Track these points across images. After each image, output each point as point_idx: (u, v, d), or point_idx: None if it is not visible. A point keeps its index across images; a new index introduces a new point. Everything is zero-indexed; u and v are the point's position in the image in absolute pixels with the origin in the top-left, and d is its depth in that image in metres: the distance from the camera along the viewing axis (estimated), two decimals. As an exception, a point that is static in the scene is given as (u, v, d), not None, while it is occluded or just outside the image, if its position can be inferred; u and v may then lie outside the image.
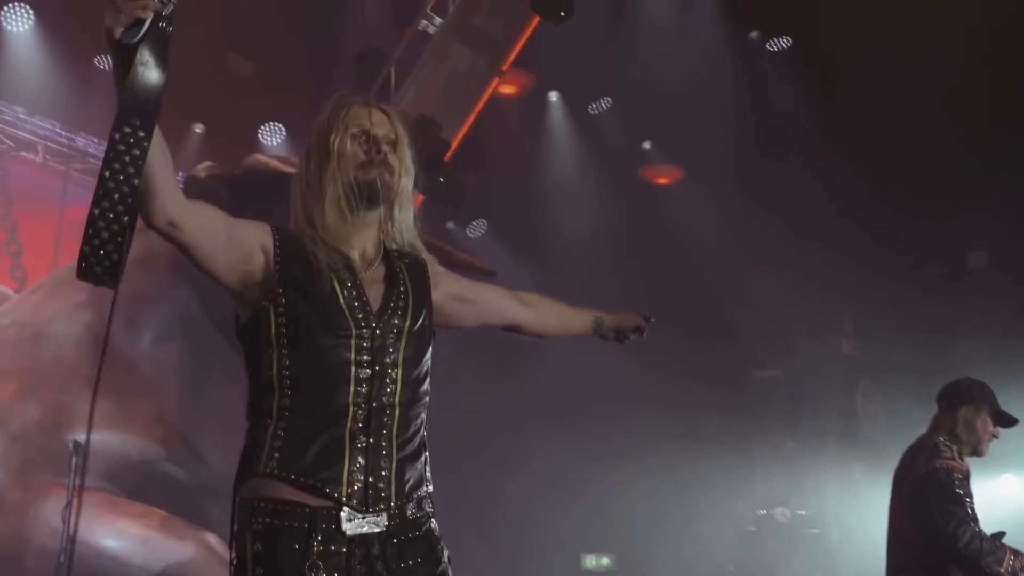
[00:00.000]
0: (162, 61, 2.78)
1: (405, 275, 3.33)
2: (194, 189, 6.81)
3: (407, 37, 11.52)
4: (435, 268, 3.49)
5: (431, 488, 3.26)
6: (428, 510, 3.23)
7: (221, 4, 11.62)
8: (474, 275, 9.46)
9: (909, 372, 12.76)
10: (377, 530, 3.06)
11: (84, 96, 12.54)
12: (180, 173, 13.37)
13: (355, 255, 3.27)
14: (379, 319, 3.18)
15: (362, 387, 3.09)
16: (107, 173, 2.66)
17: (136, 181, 2.69)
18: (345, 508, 3.02)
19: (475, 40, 11.49)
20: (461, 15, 11.33)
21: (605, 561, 13.49)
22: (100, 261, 2.71)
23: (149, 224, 2.92)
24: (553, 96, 14.44)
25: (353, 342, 3.11)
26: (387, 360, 3.15)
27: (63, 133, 13.28)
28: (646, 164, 14.98)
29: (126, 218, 2.68)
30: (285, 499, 3.02)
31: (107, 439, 6.55)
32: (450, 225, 14.51)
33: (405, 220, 3.41)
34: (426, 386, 3.26)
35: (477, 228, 14.91)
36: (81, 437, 6.05)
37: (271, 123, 13.55)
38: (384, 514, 3.07)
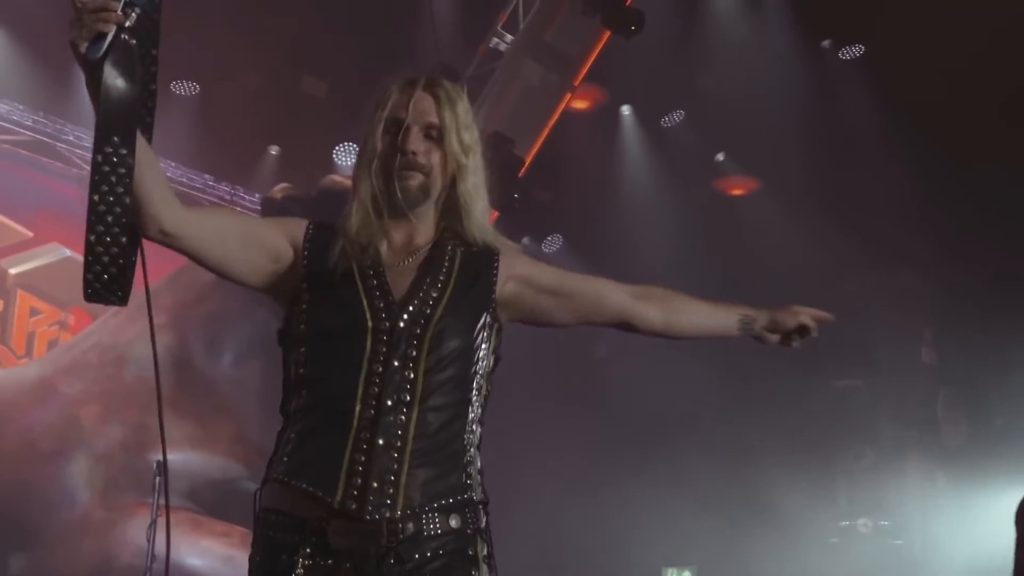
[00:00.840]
0: (130, 75, 2.67)
1: (455, 263, 3.05)
2: (271, 210, 6.88)
3: (479, 54, 11.59)
4: (515, 258, 3.21)
5: (478, 498, 2.93)
6: (466, 526, 2.87)
7: (295, 26, 11.75)
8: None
9: (991, 380, 12.62)
10: (373, 544, 2.75)
11: (160, 123, 12.63)
12: (256, 195, 13.58)
13: (383, 245, 3.00)
14: (403, 309, 2.90)
15: (374, 384, 2.82)
16: (96, 197, 2.60)
17: (127, 200, 2.61)
18: (336, 518, 2.75)
19: (547, 56, 11.54)
20: (532, 31, 11.38)
21: (687, 575, 13.44)
22: (106, 286, 2.67)
23: (144, 236, 2.82)
24: (625, 110, 14.43)
25: (369, 336, 2.86)
26: (410, 353, 2.86)
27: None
28: (720, 176, 14.92)
29: (124, 239, 2.62)
30: (282, 509, 2.83)
31: (189, 459, 6.64)
32: (525, 241, 14.50)
33: (471, 215, 3.15)
34: (471, 384, 2.96)
35: (552, 243, 14.91)
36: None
37: (345, 143, 13.65)
38: (384, 525, 2.75)
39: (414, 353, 2.86)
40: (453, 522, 2.84)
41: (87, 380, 7.04)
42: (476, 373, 2.97)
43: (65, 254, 12.85)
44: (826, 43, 13.57)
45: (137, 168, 2.63)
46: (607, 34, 11.45)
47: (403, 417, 2.81)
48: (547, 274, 3.24)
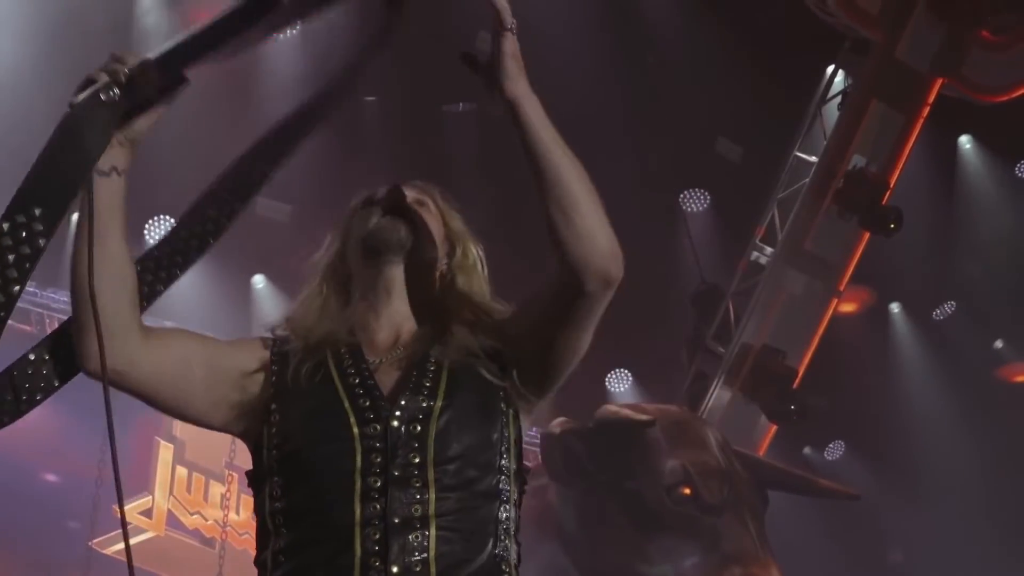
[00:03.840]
0: (94, 136, 2.16)
1: (439, 346, 2.43)
2: (551, 446, 6.97)
3: (740, 270, 11.62)
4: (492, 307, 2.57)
5: None
6: None
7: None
8: (840, 501, 9.26)
9: None
10: None
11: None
12: (534, 429, 13.74)
13: (361, 337, 2.46)
14: (393, 404, 2.32)
15: (373, 501, 2.25)
16: None
17: (16, 289, 2.12)
18: None
19: (808, 264, 11.49)
20: (791, 241, 11.37)
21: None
22: None
23: (80, 366, 2.35)
24: (895, 307, 14.21)
25: (358, 445, 2.28)
26: (412, 459, 2.27)
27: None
28: (1001, 364, 14.46)
29: None
30: None
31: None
32: (807, 451, 14.28)
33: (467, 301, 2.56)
34: (499, 475, 2.34)
35: (834, 450, 14.62)
36: None
37: (618, 370, 13.78)
38: None
39: (422, 457, 2.28)
40: None
41: None
42: (505, 457, 2.37)
43: None
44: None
45: (97, 273, 2.22)
46: (867, 235, 11.35)
47: (416, 537, 2.23)
48: (522, 304, 2.57)
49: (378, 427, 2.29)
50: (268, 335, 2.52)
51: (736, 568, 6.82)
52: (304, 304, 2.55)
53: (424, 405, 2.32)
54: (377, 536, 2.22)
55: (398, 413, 2.30)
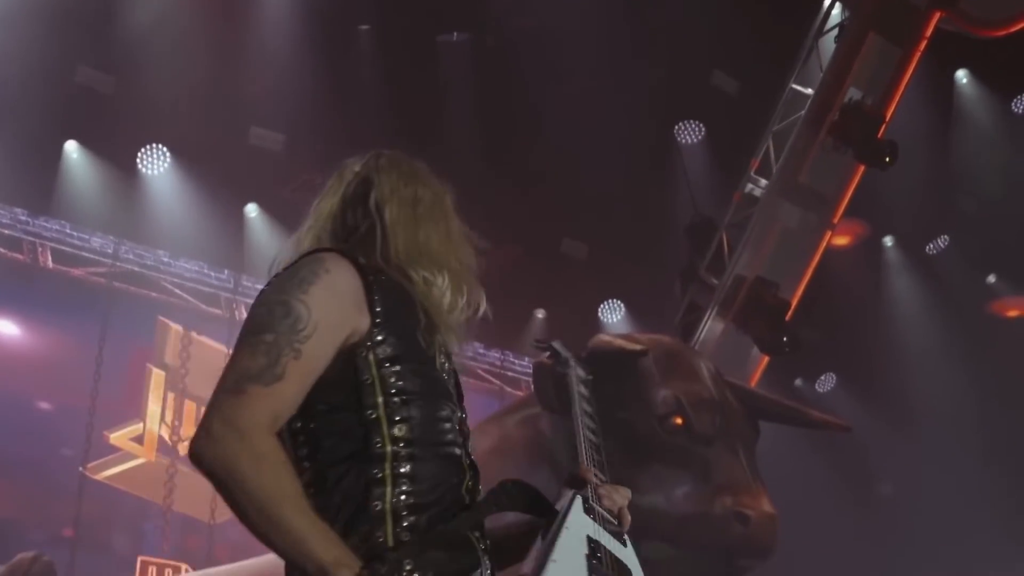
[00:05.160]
0: None
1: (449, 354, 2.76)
2: (543, 376, 6.97)
3: (734, 202, 11.60)
4: None
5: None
6: None
7: (552, 193, 12.02)
8: (831, 432, 9.29)
9: None
10: None
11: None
12: (526, 359, 13.77)
13: None
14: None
15: (457, 423, 2.64)
16: None
17: None
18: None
19: (803, 197, 11.47)
20: (786, 174, 11.35)
21: None
22: None
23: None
24: (888, 241, 14.22)
25: (447, 373, 2.69)
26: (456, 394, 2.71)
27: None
28: (994, 298, 14.48)
29: None
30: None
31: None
32: (798, 382, 14.35)
33: None
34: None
35: (826, 382, 14.68)
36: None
37: (610, 300, 13.81)
38: None
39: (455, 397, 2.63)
40: None
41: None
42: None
43: None
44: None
45: None
46: (862, 168, 11.33)
47: (470, 462, 2.58)
48: None
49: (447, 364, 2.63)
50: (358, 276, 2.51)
51: (727, 498, 6.84)
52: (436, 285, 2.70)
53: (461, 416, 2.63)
54: (467, 456, 2.55)
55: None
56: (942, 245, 14.19)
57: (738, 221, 11.54)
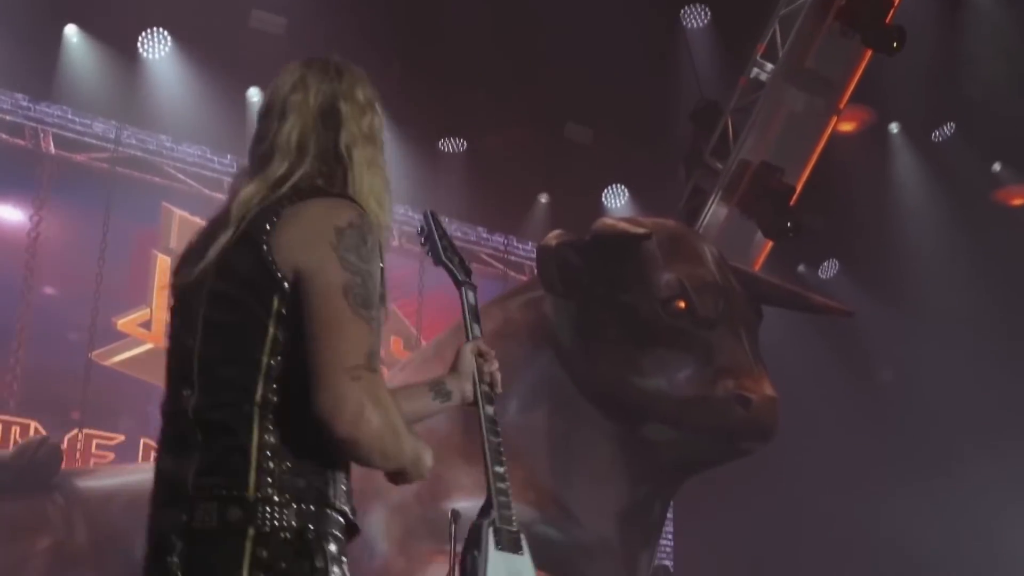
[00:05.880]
0: None
1: None
2: (547, 258, 6.97)
3: (740, 86, 11.52)
4: None
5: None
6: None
7: (556, 76, 11.93)
8: (834, 318, 9.32)
9: None
10: None
11: (431, 180, 13.02)
12: (530, 243, 13.80)
13: None
14: None
15: None
16: None
17: None
18: None
19: (809, 82, 11.37)
20: (792, 58, 11.24)
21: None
22: None
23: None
24: (894, 128, 14.14)
25: None
26: None
27: (415, 216, 13.75)
28: (999, 186, 14.43)
29: None
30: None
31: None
32: (801, 268, 14.36)
33: None
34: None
35: (829, 269, 14.69)
36: (459, 505, 6.26)
37: (614, 185, 13.77)
38: None
39: None
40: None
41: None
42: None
43: None
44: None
45: None
46: (869, 53, 11.22)
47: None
48: None
49: None
50: None
51: (729, 380, 6.87)
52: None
53: None
54: None
55: None
56: (948, 132, 14.09)
57: (743, 106, 11.45)
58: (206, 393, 2.53)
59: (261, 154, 2.73)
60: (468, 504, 6.55)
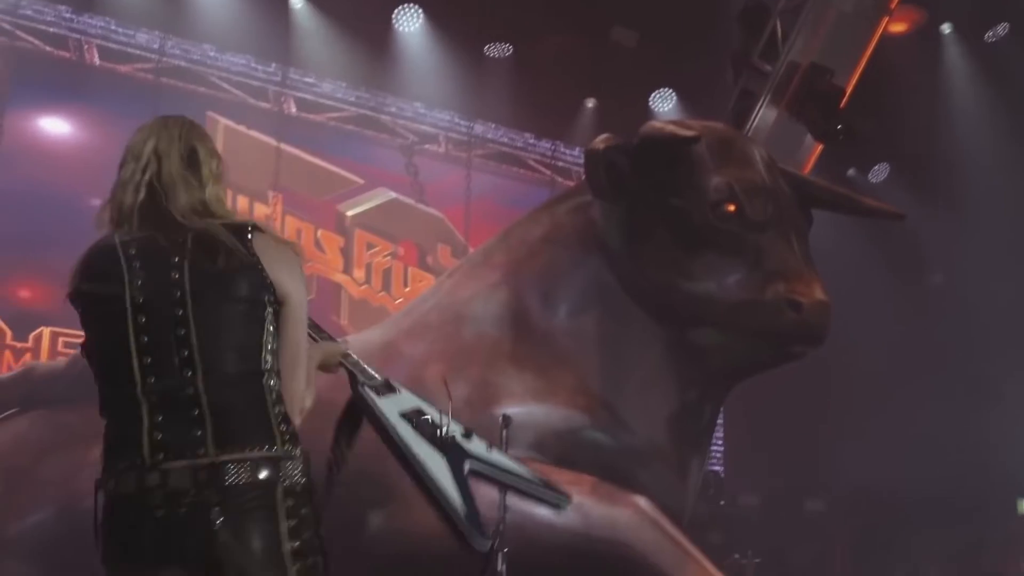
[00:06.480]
0: None
1: None
2: (595, 162, 6.90)
3: (789, -13, 11.33)
4: None
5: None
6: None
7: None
8: (884, 221, 9.23)
9: None
10: None
11: (477, 86, 13.00)
12: (577, 149, 13.72)
13: None
14: None
15: None
16: None
17: None
18: None
19: (859, -20, 11.19)
20: (841, -43, 11.05)
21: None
22: None
23: None
24: (946, 28, 13.92)
25: None
26: None
27: (462, 122, 13.83)
28: (1054, 89, 14.20)
29: None
30: None
31: (532, 411, 6.73)
32: (851, 172, 14.25)
33: None
34: None
35: (879, 173, 14.55)
36: (509, 411, 6.26)
37: (661, 89, 13.65)
38: None
39: None
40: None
41: (428, 340, 7.23)
42: None
43: (391, 196, 13.67)
44: None
45: None
46: (921, -50, 11.02)
47: None
48: None
49: None
50: None
51: (780, 284, 6.79)
52: None
53: None
54: None
55: None
56: (1001, 33, 13.85)
57: (792, 7, 11.27)
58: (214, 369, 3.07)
59: None
60: (518, 409, 6.59)
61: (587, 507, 6.23)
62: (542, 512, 6.04)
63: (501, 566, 5.70)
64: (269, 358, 3.10)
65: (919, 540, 13.00)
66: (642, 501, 6.33)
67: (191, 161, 3.26)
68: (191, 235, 3.13)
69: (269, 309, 3.13)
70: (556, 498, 3.97)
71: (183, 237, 3.13)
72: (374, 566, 6.41)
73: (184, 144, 3.28)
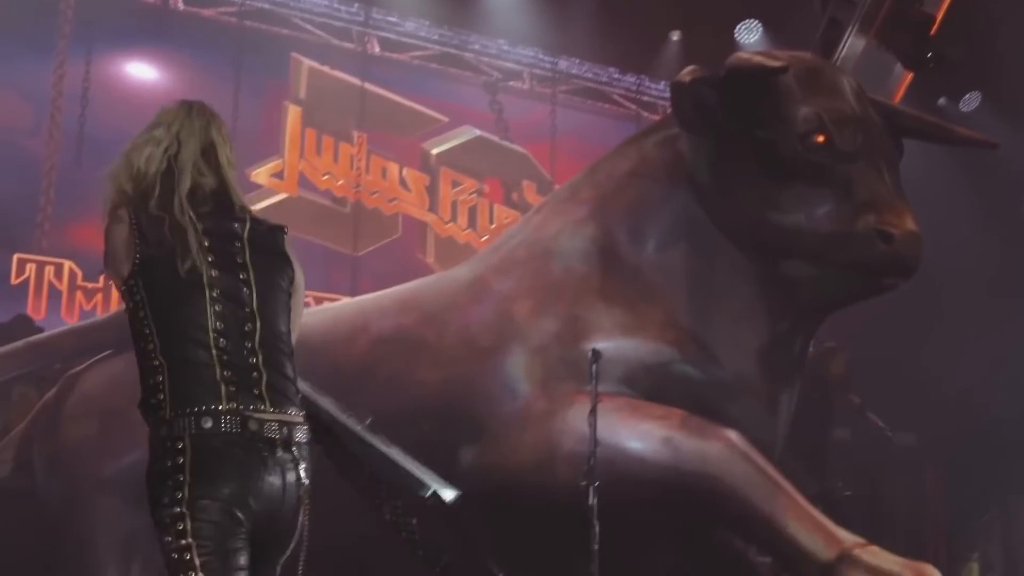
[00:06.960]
0: None
1: None
2: (681, 95, 6.84)
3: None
4: None
5: None
6: None
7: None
8: (977, 150, 9.10)
9: None
10: None
11: (561, 21, 12.94)
12: (663, 83, 13.63)
13: None
14: None
15: None
16: None
17: None
18: None
19: (949, -96, 10.95)
20: None
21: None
22: None
23: None
24: (1039, -54, 13.57)
25: None
26: None
27: (546, 58, 13.80)
28: None
29: None
30: None
31: (622, 346, 6.75)
32: (942, 101, 14.01)
33: None
34: None
35: (970, 102, 14.30)
36: (599, 345, 6.28)
37: (747, 20, 13.49)
38: None
39: None
40: None
41: (516, 276, 7.25)
42: None
43: (476, 134, 13.69)
44: None
45: None
46: None
47: None
48: None
49: None
50: None
51: (871, 216, 6.70)
52: None
53: None
54: None
55: None
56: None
57: (876, -65, 11.07)
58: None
59: None
60: (608, 344, 6.61)
61: (677, 441, 6.24)
62: (633, 446, 6.07)
63: (592, 500, 5.74)
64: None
65: (1016, 476, 12.88)
66: (732, 434, 6.32)
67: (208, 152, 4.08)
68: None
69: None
70: (419, 485, 4.32)
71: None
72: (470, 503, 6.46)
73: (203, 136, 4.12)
